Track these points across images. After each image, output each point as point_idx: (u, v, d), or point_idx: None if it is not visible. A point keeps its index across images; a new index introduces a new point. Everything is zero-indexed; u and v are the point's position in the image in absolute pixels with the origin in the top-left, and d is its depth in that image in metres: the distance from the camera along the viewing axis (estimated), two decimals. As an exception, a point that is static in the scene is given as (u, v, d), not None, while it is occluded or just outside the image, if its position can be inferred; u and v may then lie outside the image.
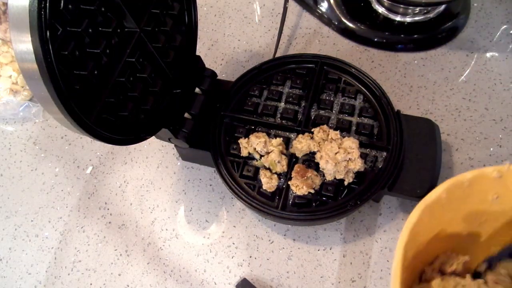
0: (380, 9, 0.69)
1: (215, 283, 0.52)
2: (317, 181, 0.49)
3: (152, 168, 0.62)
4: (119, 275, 0.55)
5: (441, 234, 0.43)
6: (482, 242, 0.45)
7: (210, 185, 0.59)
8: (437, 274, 0.43)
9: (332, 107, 0.55)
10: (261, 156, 0.52)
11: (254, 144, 0.51)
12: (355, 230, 0.54)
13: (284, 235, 0.54)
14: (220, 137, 0.54)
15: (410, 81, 0.63)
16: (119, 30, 0.42)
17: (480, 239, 0.45)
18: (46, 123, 0.68)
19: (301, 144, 0.50)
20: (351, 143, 0.49)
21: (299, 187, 0.48)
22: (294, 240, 0.54)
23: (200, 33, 0.54)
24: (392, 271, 0.36)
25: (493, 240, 0.44)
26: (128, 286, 0.54)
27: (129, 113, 0.44)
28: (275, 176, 0.50)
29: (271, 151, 0.51)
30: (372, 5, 0.70)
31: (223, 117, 0.56)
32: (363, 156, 0.49)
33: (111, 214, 0.59)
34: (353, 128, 0.53)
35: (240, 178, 0.52)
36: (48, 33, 0.32)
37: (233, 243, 0.55)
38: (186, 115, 0.53)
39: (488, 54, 0.64)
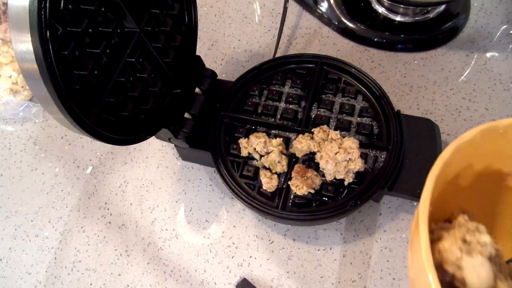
0: (380, 9, 0.69)
1: (215, 283, 0.52)
2: (317, 181, 0.49)
3: (152, 168, 0.62)
4: (119, 275, 0.55)
5: (470, 182, 0.42)
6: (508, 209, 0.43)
7: (210, 185, 0.59)
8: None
9: (332, 107, 0.55)
10: (261, 156, 0.52)
11: (254, 144, 0.51)
12: (355, 230, 0.54)
13: (284, 235, 0.54)
14: (220, 137, 0.54)
15: (410, 81, 0.63)
16: (119, 30, 0.42)
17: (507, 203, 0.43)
18: (46, 123, 0.68)
19: (301, 144, 0.50)
20: (351, 143, 0.49)
21: (299, 187, 0.48)
22: (294, 240, 0.54)
23: (200, 33, 0.54)
24: (420, 204, 0.35)
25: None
26: (128, 286, 0.54)
27: (129, 113, 0.44)
28: (275, 176, 0.50)
29: (271, 151, 0.51)
30: (372, 5, 0.70)
31: (223, 117, 0.56)
32: (363, 156, 0.49)
33: (111, 214, 0.59)
34: (353, 128, 0.53)
35: (240, 178, 0.52)
36: (48, 33, 0.32)
37: (233, 243, 0.55)
38: (186, 115, 0.53)
39: (488, 54, 0.64)
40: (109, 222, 0.58)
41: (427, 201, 0.35)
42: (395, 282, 0.50)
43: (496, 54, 0.64)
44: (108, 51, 0.40)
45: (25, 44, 0.31)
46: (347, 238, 0.53)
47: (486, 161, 0.42)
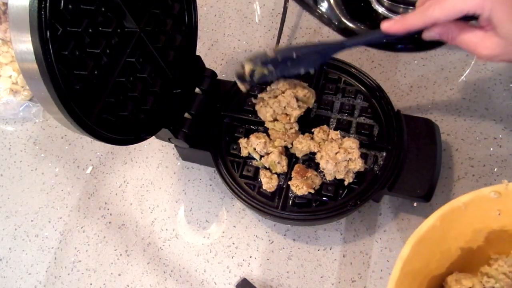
0: (380, 9, 0.69)
1: (215, 283, 0.52)
2: (317, 181, 0.49)
3: (152, 168, 0.62)
4: (119, 275, 0.55)
5: (442, 259, 0.43)
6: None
7: (210, 185, 0.59)
8: None
9: (332, 107, 0.54)
10: (261, 156, 0.52)
11: (254, 144, 0.51)
12: (355, 230, 0.54)
13: (284, 235, 0.54)
14: (220, 137, 0.54)
15: (410, 81, 0.63)
16: (119, 30, 0.42)
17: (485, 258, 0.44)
18: (46, 123, 0.68)
19: (301, 145, 0.50)
20: (351, 143, 0.49)
21: (299, 187, 0.48)
22: (294, 240, 0.54)
23: (200, 33, 0.54)
24: None
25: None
26: (128, 286, 0.54)
27: (129, 113, 0.44)
28: (275, 176, 0.50)
29: (271, 152, 0.51)
30: (372, 5, 0.69)
31: (223, 117, 0.56)
32: (363, 156, 0.49)
33: (111, 214, 0.59)
34: (353, 128, 0.53)
35: (240, 178, 0.52)
36: (48, 33, 0.32)
37: (233, 243, 0.55)
38: (186, 115, 0.53)
39: (488, 54, 0.64)
40: (109, 222, 0.58)
41: None
42: (395, 282, 0.50)
43: (496, 54, 0.64)
44: (108, 51, 0.40)
45: (25, 44, 0.31)
46: (347, 238, 0.53)
47: (456, 234, 0.42)
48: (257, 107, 0.54)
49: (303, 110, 0.52)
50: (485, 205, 0.41)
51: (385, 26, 0.42)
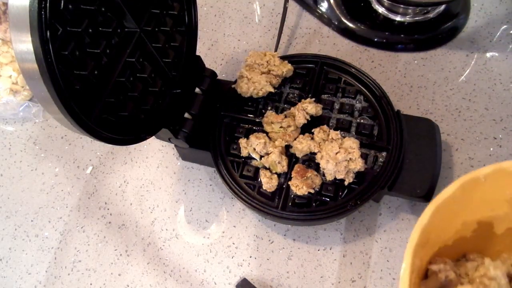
0: (380, 9, 0.69)
1: (215, 283, 0.52)
2: (317, 181, 0.49)
3: (152, 168, 0.62)
4: (119, 275, 0.55)
5: (455, 234, 0.42)
6: (498, 246, 0.43)
7: (210, 185, 0.59)
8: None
9: (332, 107, 0.55)
10: (261, 156, 0.52)
11: (254, 144, 0.51)
12: (355, 230, 0.54)
13: (284, 235, 0.54)
14: (220, 137, 0.54)
15: (410, 81, 0.64)
16: (119, 30, 0.42)
17: (497, 242, 0.44)
18: (46, 123, 0.68)
19: (302, 145, 0.50)
20: (351, 143, 0.49)
21: (299, 187, 0.48)
22: (294, 240, 0.54)
23: (200, 33, 0.54)
24: (401, 275, 0.35)
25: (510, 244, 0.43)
26: (128, 286, 0.54)
27: (129, 113, 0.44)
28: (275, 176, 0.50)
29: (271, 152, 0.51)
30: (372, 5, 0.70)
31: (223, 117, 0.56)
32: (363, 156, 0.49)
33: (111, 214, 0.59)
34: (353, 128, 0.53)
35: (240, 178, 0.52)
36: (48, 33, 0.32)
37: (233, 243, 0.55)
38: (186, 115, 0.53)
39: (488, 54, 0.64)
40: (109, 222, 0.58)
41: (407, 273, 0.34)
42: (395, 282, 0.50)
43: (496, 54, 0.64)
44: (108, 51, 0.40)
45: (25, 44, 0.31)
46: (347, 238, 0.53)
47: (472, 207, 0.41)
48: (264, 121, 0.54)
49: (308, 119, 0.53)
50: (505, 180, 0.40)
51: None
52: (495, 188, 0.40)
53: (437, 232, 0.40)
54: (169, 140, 0.53)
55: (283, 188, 0.50)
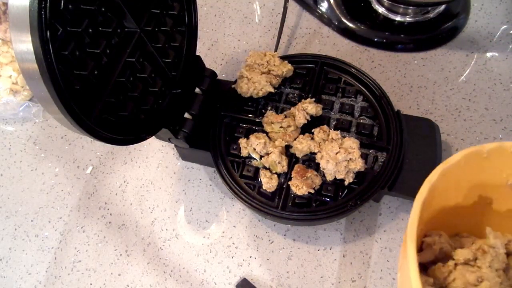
0: (380, 9, 0.69)
1: (215, 283, 0.52)
2: (317, 181, 0.49)
3: (152, 168, 0.62)
4: (119, 275, 0.55)
5: (453, 206, 0.43)
6: (494, 226, 0.43)
7: (210, 185, 0.59)
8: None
9: (332, 107, 0.55)
10: (261, 156, 0.52)
11: (254, 144, 0.51)
12: (355, 230, 0.54)
13: (284, 235, 0.54)
14: (220, 137, 0.54)
15: (410, 81, 0.64)
16: (119, 30, 0.42)
17: (493, 222, 0.44)
18: (46, 123, 0.68)
19: (302, 145, 0.50)
20: (351, 143, 0.49)
21: (299, 187, 0.48)
22: (294, 240, 0.54)
23: (200, 33, 0.54)
24: (408, 231, 0.34)
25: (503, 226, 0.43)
26: (128, 286, 0.54)
27: (129, 113, 0.44)
28: (275, 176, 0.50)
29: (271, 152, 0.51)
30: (372, 5, 0.70)
31: (223, 117, 0.56)
32: (363, 156, 0.49)
33: (111, 214, 0.59)
34: (353, 128, 0.53)
35: (240, 178, 0.52)
36: (48, 33, 0.32)
37: (233, 243, 0.55)
38: (186, 115, 0.53)
39: (488, 54, 0.64)
40: (109, 222, 0.58)
41: (414, 225, 0.35)
42: (395, 282, 0.50)
43: (496, 54, 0.64)
44: (108, 51, 0.40)
45: (25, 44, 0.31)
46: (347, 238, 0.53)
47: (472, 183, 0.42)
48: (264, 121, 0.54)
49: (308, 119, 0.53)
50: (504, 160, 0.40)
51: None
52: (495, 167, 0.41)
53: (439, 201, 0.41)
54: (169, 140, 0.53)
55: (283, 188, 0.50)
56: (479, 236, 0.44)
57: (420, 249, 0.43)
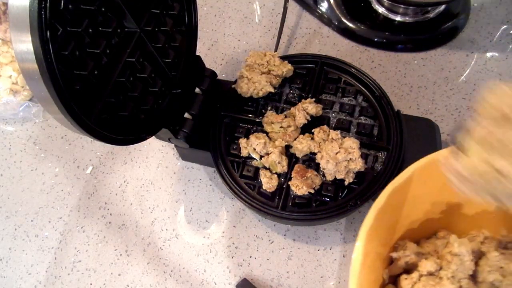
0: (380, 9, 0.69)
1: (215, 283, 0.52)
2: (317, 181, 0.49)
3: (152, 168, 0.62)
4: (119, 275, 0.55)
5: (425, 215, 0.43)
6: (468, 224, 0.44)
7: (210, 185, 0.59)
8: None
9: (332, 107, 0.55)
10: (261, 156, 0.52)
11: (254, 144, 0.51)
12: (355, 230, 0.54)
13: (284, 235, 0.54)
14: (220, 137, 0.54)
15: (410, 81, 0.64)
16: (119, 30, 0.42)
17: (466, 221, 0.44)
18: (46, 123, 0.68)
19: (302, 145, 0.50)
20: (351, 143, 0.49)
21: (299, 187, 0.48)
22: (294, 240, 0.54)
23: (200, 33, 0.54)
24: (353, 257, 0.35)
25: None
26: (128, 286, 0.54)
27: (129, 113, 0.44)
28: (275, 176, 0.50)
29: (271, 152, 0.51)
30: (372, 5, 0.70)
31: (223, 117, 0.56)
32: (363, 156, 0.49)
33: (111, 214, 0.59)
34: (353, 128, 0.53)
35: (240, 178, 0.52)
36: (48, 33, 0.32)
37: (233, 243, 0.55)
38: (186, 115, 0.53)
39: (488, 54, 0.64)
40: (109, 222, 0.58)
41: (358, 261, 0.35)
42: (395, 282, 0.50)
43: (496, 54, 0.64)
44: (108, 51, 0.40)
45: (25, 44, 0.31)
46: (347, 238, 0.53)
47: (437, 188, 0.42)
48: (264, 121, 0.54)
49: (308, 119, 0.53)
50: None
51: None
52: None
53: (402, 214, 0.40)
54: (169, 140, 0.53)
55: (283, 188, 0.50)
56: (456, 231, 0.43)
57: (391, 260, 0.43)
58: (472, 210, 0.43)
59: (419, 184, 0.40)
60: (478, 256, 0.40)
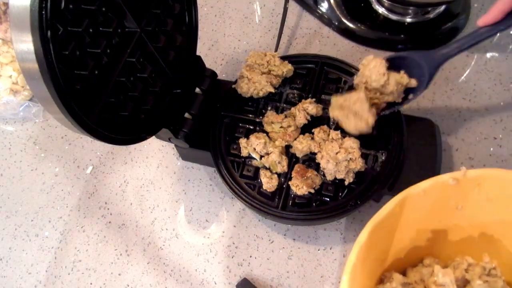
0: (380, 9, 0.69)
1: (215, 283, 0.52)
2: (317, 181, 0.49)
3: (152, 168, 0.62)
4: (119, 274, 0.55)
5: (411, 243, 0.43)
6: (453, 251, 0.44)
7: (210, 185, 0.59)
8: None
9: (332, 107, 0.55)
10: (261, 156, 0.52)
11: (254, 144, 0.51)
12: (355, 230, 0.54)
13: (284, 235, 0.54)
14: (220, 137, 0.54)
15: (410, 81, 0.63)
16: (119, 30, 0.42)
17: (451, 247, 0.44)
18: (46, 123, 0.68)
19: (302, 145, 0.50)
20: (352, 143, 0.49)
21: (299, 187, 0.48)
22: (294, 240, 0.54)
23: (200, 33, 0.54)
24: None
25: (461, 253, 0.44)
26: (128, 286, 0.54)
27: (130, 113, 0.44)
28: (275, 176, 0.50)
29: (271, 152, 0.51)
30: (372, 5, 0.70)
31: (223, 117, 0.56)
32: (363, 156, 0.49)
33: (111, 214, 0.59)
34: (353, 128, 0.53)
35: (240, 178, 0.52)
36: (49, 33, 0.32)
37: (233, 243, 0.55)
38: (186, 115, 0.53)
39: (488, 54, 0.64)
40: (109, 222, 0.58)
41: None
42: (395, 282, 0.50)
43: (496, 54, 0.64)
44: (108, 51, 0.40)
45: (26, 44, 0.31)
46: (347, 238, 0.53)
47: (421, 217, 0.42)
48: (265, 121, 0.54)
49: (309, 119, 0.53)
50: (446, 192, 0.40)
51: (481, 21, 0.44)
52: (438, 200, 0.41)
53: (386, 246, 0.41)
54: (169, 140, 0.53)
55: (283, 188, 0.50)
56: (442, 258, 0.44)
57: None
58: (456, 236, 0.44)
59: (403, 215, 0.40)
60: (463, 283, 0.40)
